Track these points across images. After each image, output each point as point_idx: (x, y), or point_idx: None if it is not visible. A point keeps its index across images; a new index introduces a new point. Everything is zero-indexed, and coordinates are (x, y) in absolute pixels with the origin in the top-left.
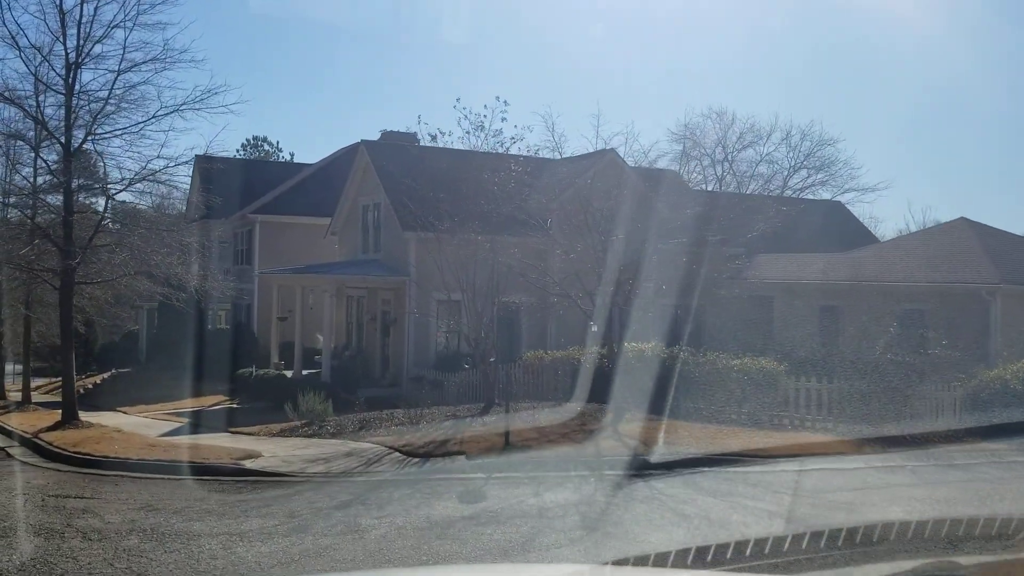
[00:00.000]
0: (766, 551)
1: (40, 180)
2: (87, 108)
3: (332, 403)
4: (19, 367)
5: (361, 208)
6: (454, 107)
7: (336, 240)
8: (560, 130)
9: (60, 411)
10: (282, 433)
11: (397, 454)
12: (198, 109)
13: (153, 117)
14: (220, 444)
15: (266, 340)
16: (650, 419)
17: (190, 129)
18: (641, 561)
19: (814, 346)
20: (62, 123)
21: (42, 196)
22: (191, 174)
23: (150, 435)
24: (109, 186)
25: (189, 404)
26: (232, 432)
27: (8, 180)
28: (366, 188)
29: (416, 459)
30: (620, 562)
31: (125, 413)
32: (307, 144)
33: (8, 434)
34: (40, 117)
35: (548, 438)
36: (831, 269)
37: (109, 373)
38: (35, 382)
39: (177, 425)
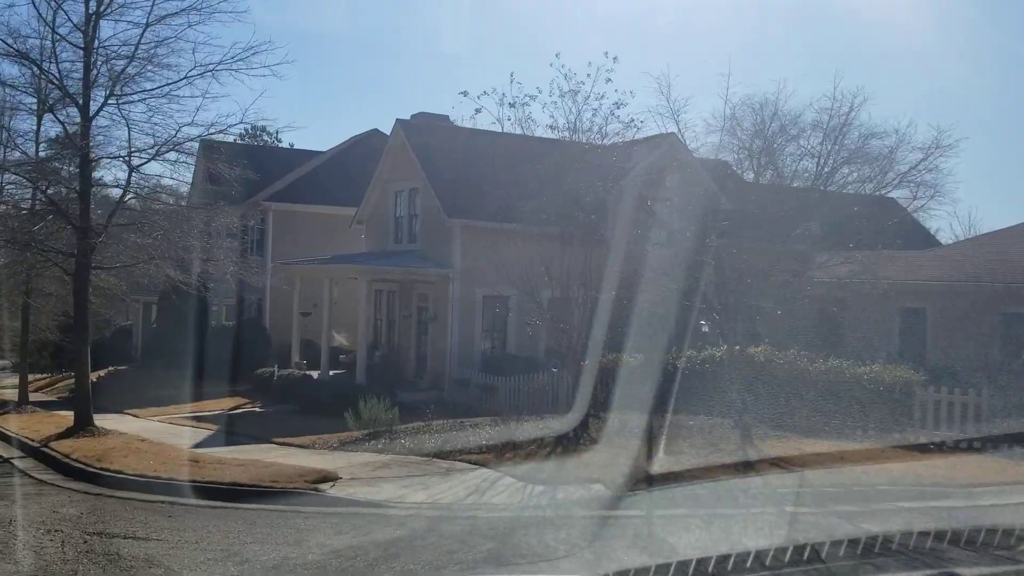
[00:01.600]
0: None
1: (46, 148)
2: (108, 66)
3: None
4: (7, 364)
5: (393, 194)
6: (551, 65)
7: (362, 230)
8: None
9: (61, 413)
10: (344, 446)
11: (508, 479)
12: (236, 70)
13: (184, 78)
14: (279, 461)
15: (280, 337)
16: (785, 437)
17: (223, 95)
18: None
19: (913, 350)
20: (78, 83)
21: (54, 164)
22: (195, 158)
23: (181, 445)
24: (134, 155)
25: (207, 407)
26: (279, 443)
27: (6, 144)
28: (400, 172)
29: (539, 486)
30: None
31: (136, 416)
32: (301, 137)
33: (7, 440)
34: (58, 76)
35: (694, 461)
36: (913, 268)
37: (105, 371)
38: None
39: (207, 433)
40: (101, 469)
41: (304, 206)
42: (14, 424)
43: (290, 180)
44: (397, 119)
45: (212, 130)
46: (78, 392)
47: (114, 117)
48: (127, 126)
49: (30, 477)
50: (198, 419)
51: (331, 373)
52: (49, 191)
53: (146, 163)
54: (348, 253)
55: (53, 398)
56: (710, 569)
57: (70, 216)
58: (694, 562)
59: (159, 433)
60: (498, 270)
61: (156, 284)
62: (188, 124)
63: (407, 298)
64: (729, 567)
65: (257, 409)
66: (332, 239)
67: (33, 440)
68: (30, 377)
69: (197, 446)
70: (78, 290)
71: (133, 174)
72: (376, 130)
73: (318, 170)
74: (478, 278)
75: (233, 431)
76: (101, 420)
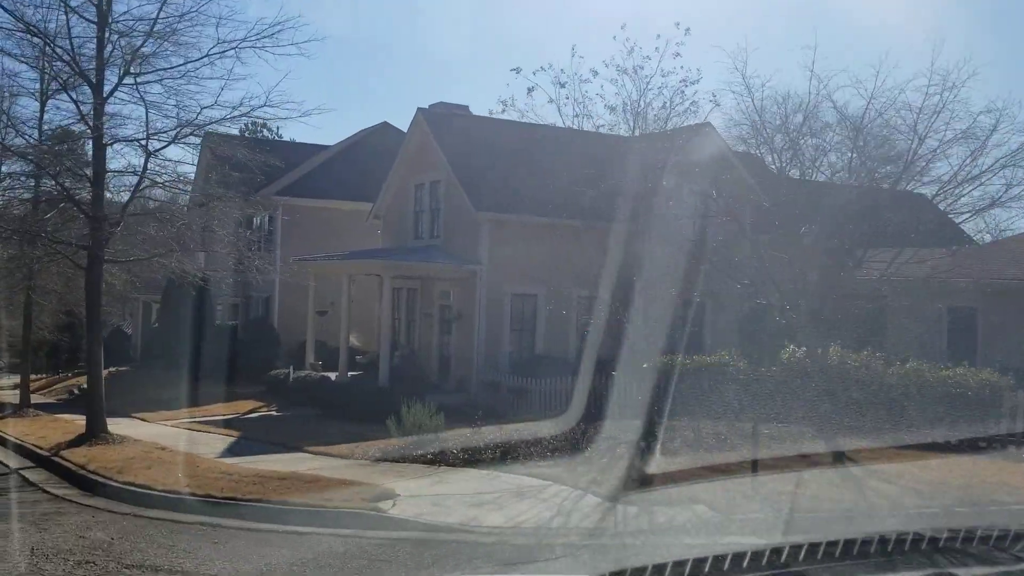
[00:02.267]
0: None
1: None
2: (125, 41)
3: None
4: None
5: (413, 188)
6: (614, 38)
7: (379, 225)
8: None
9: (66, 417)
10: (387, 456)
11: (591, 497)
12: (262, 48)
13: (206, 56)
14: (321, 473)
15: (290, 337)
16: (882, 451)
17: (244, 77)
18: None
19: (963, 350)
20: (91, 61)
21: (65, 148)
22: (198, 151)
23: (206, 454)
24: (152, 138)
25: (220, 410)
26: (313, 452)
27: (5, 129)
28: (421, 164)
29: (630, 507)
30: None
31: (145, 420)
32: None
33: (12, 447)
34: (71, 51)
35: (770, 474)
36: (962, 264)
37: (106, 372)
38: (13, 379)
39: (229, 439)
40: (125, 483)
41: (314, 201)
42: (18, 429)
43: (298, 175)
44: (419, 108)
45: (237, 112)
46: (91, 395)
47: (133, 95)
48: (145, 106)
49: (44, 492)
50: (214, 424)
51: (349, 375)
52: (59, 177)
53: (165, 147)
54: (365, 249)
55: (52, 400)
56: None
57: (82, 204)
58: None
59: (177, 440)
60: (527, 267)
61: (159, 281)
62: (210, 106)
63: (428, 296)
64: None
65: (274, 413)
66: (344, 235)
67: (42, 448)
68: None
69: (223, 455)
70: (91, 284)
71: (150, 160)
72: (386, 123)
73: (327, 164)
74: (506, 275)
75: (256, 437)
76: (110, 425)
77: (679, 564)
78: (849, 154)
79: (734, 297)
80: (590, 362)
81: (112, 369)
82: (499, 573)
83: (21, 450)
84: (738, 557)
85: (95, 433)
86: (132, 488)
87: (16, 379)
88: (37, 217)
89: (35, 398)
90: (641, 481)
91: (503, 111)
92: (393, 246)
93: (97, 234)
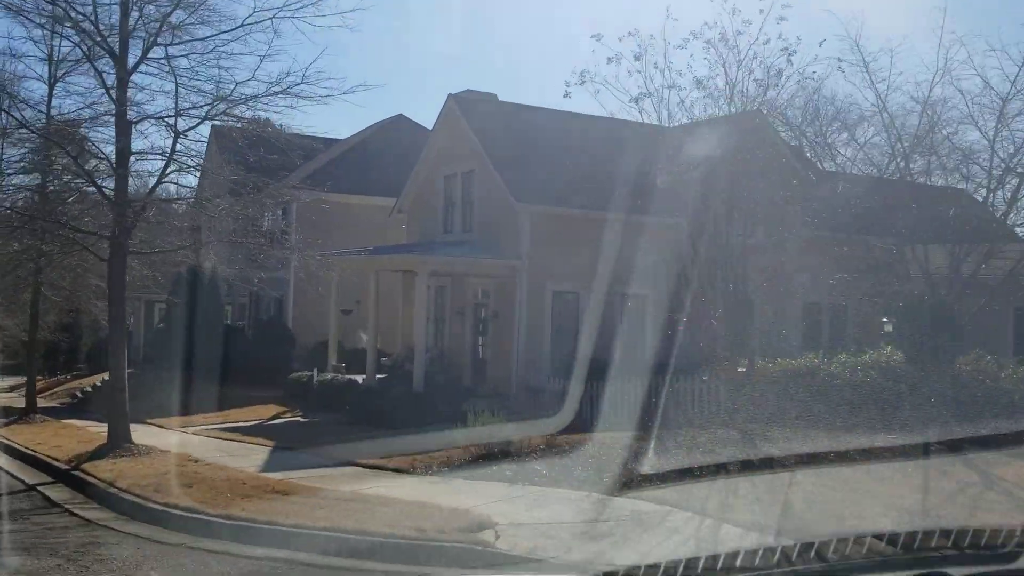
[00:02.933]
0: None
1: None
2: (153, 7)
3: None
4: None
5: (443, 179)
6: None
7: (404, 219)
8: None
9: (76, 423)
10: (456, 470)
11: (730, 527)
12: (300, 18)
13: (241, 26)
14: (395, 495)
15: (305, 338)
16: None
17: (279, 51)
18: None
19: None
20: (113, 32)
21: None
22: (207, 142)
23: (245, 469)
24: (183, 116)
25: (240, 416)
26: (365, 465)
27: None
28: (452, 154)
29: (785, 539)
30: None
31: (163, 428)
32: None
33: (24, 459)
34: (94, 21)
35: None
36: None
37: (109, 375)
38: (9, 381)
39: (263, 450)
40: (166, 506)
41: (330, 195)
42: (28, 437)
43: (311, 169)
44: (449, 94)
45: (275, 88)
46: (114, 400)
47: (160, 68)
48: (175, 79)
49: (73, 515)
50: (239, 431)
51: (377, 377)
52: (80, 158)
53: (196, 126)
54: (388, 244)
55: (55, 404)
56: None
57: (104, 189)
58: None
59: (206, 450)
60: (570, 263)
61: (160, 279)
62: (247, 80)
63: (460, 294)
64: None
65: (300, 419)
66: (361, 231)
67: (59, 460)
68: (22, 379)
69: (266, 469)
70: (114, 278)
71: (179, 140)
72: (402, 115)
73: (341, 159)
74: (547, 271)
75: (293, 447)
76: (103, 428)
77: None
78: None
79: (793, 295)
80: (650, 366)
81: (132, 370)
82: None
83: (35, 462)
84: None
85: (118, 443)
86: (177, 512)
87: (12, 381)
88: (48, 206)
89: (39, 402)
90: (781, 507)
91: (581, 83)
92: (420, 241)
93: (122, 221)
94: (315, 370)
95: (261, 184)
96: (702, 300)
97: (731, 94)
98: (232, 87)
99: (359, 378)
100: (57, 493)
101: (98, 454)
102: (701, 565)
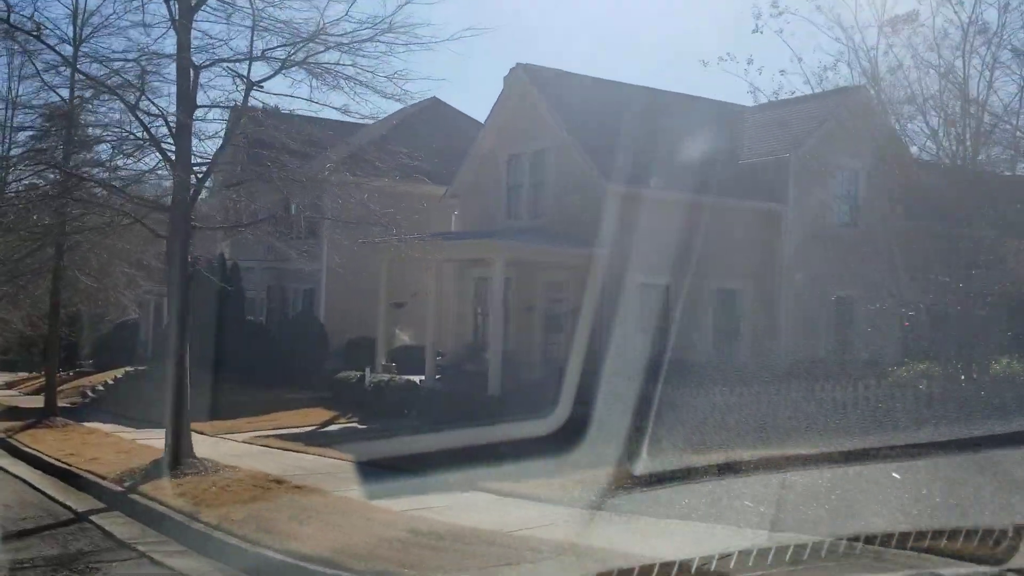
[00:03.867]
0: None
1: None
2: None
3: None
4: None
5: (506, 159)
6: None
7: (456, 205)
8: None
9: (104, 428)
10: (623, 500)
11: None
12: None
13: None
14: (571, 539)
15: (339, 335)
16: None
17: None
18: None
19: None
20: None
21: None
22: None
23: (349, 496)
24: (257, 61)
25: (287, 421)
26: (493, 491)
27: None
28: (519, 131)
29: None
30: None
31: (203, 434)
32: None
33: (59, 475)
34: None
35: None
36: None
37: (122, 372)
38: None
39: (342, 464)
40: (301, 558)
41: (365, 179)
42: (55, 447)
43: (343, 154)
44: (518, 63)
45: (363, 31)
46: (178, 405)
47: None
48: (252, 14)
49: (157, 563)
50: (293, 439)
51: (416, 378)
52: (136, 108)
53: (272, 76)
54: (442, 232)
55: (65, 403)
56: None
57: (166, 153)
58: None
59: (279, 466)
60: (658, 252)
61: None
62: (338, 20)
63: (528, 287)
64: None
65: (358, 425)
66: (403, 219)
67: (105, 478)
68: (18, 376)
69: (369, 495)
70: (175, 257)
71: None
72: (436, 99)
73: (375, 144)
74: (633, 261)
75: (381, 464)
76: (160, 438)
77: None
78: None
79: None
80: (782, 369)
81: (128, 369)
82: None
83: (73, 479)
84: None
85: (180, 458)
86: (312, 568)
87: (8, 377)
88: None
89: (32, 399)
90: None
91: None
92: (477, 228)
93: (186, 188)
94: (367, 370)
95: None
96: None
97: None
98: (318, 26)
99: (416, 379)
100: (120, 526)
101: (155, 471)
102: None
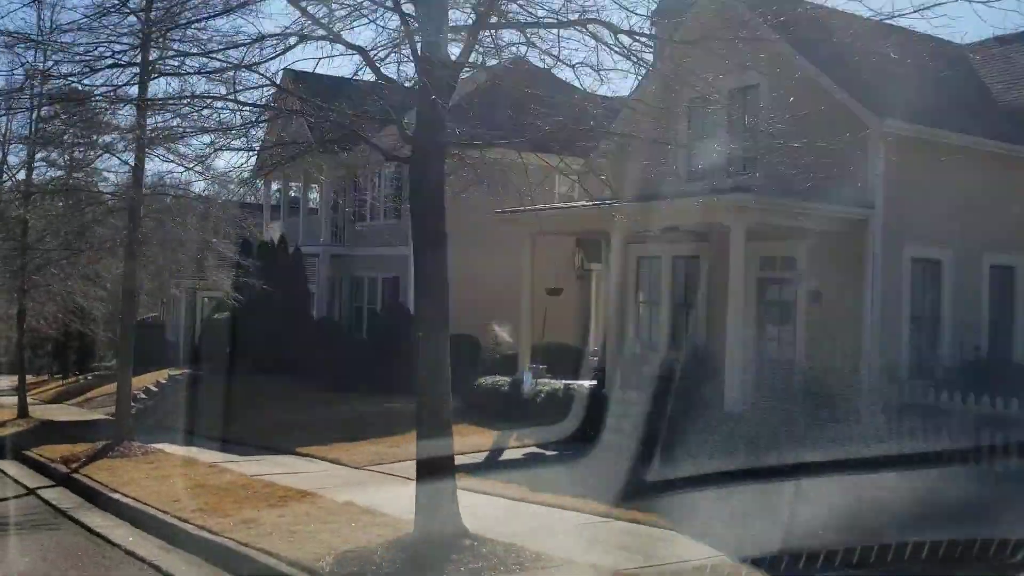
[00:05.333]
0: None
1: None
2: None
3: None
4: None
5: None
6: None
7: (605, 167)
8: None
9: (228, 465)
10: None
11: None
12: None
13: None
14: None
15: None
16: None
17: None
18: None
19: None
20: None
21: None
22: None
23: None
24: None
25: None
26: None
27: None
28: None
29: None
30: None
31: (337, 463)
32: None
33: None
34: None
35: None
36: None
37: (165, 377)
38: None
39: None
40: None
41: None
42: (192, 501)
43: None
44: None
45: None
46: (431, 427)
47: None
48: None
49: None
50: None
51: (586, 384)
52: None
53: None
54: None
55: (101, 415)
56: None
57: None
58: None
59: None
60: (935, 217)
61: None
62: None
63: (722, 268)
64: None
65: (543, 451)
66: (508, 190)
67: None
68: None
69: None
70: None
71: None
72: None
73: (463, 104)
74: (908, 227)
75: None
76: (262, 463)
77: None
78: None
79: None
80: None
81: (173, 372)
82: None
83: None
84: None
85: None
86: None
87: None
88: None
89: (61, 410)
90: None
91: None
92: (639, 192)
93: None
94: (525, 374)
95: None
96: None
97: None
98: None
99: (582, 384)
100: None
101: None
102: None
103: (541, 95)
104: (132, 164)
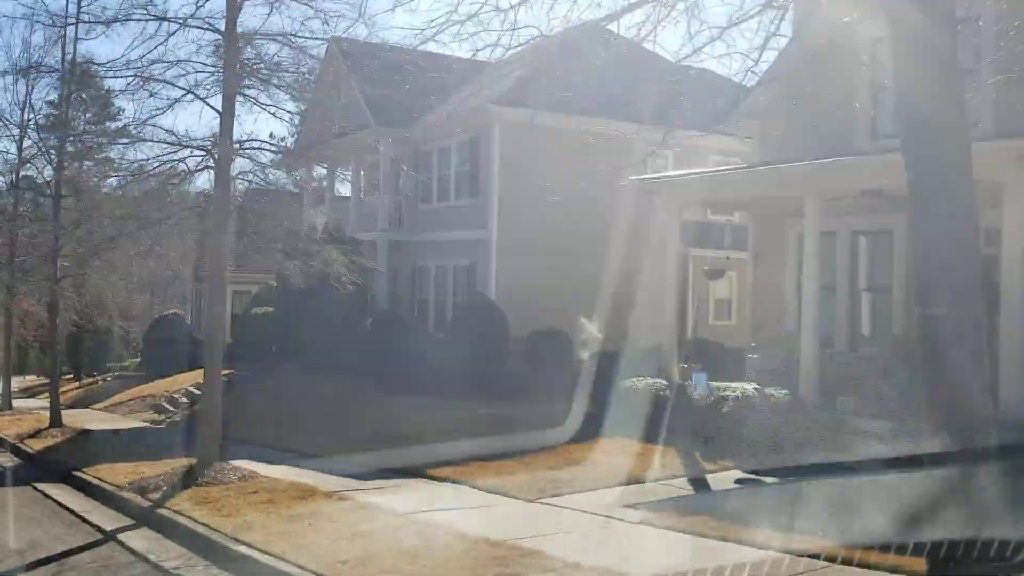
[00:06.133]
0: None
1: None
2: None
3: None
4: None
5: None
6: None
7: (752, 129)
8: None
9: (380, 505)
10: None
11: None
12: None
13: None
14: None
15: (518, 324)
16: None
17: None
18: None
19: None
20: None
21: None
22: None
23: None
24: None
25: (585, 463)
26: None
27: None
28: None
29: None
30: None
31: (499, 492)
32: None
33: None
34: None
35: None
36: None
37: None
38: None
39: None
40: None
41: (552, 115)
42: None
43: (493, 92)
44: None
45: None
46: None
47: None
48: None
49: None
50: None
51: (770, 389)
52: None
53: None
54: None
55: (141, 422)
56: None
57: None
58: None
59: None
60: None
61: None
62: None
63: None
64: None
65: (767, 480)
66: (586, 164)
67: None
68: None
69: None
70: None
71: None
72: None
73: (539, 72)
74: None
75: None
76: (407, 496)
77: None
78: None
79: None
80: None
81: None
82: None
83: None
84: None
85: None
86: None
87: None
88: None
89: (91, 416)
90: None
91: None
92: (794, 157)
93: None
94: (701, 376)
95: None
96: None
97: None
98: None
99: (745, 387)
100: None
101: None
102: None
103: None
104: (219, 110)
